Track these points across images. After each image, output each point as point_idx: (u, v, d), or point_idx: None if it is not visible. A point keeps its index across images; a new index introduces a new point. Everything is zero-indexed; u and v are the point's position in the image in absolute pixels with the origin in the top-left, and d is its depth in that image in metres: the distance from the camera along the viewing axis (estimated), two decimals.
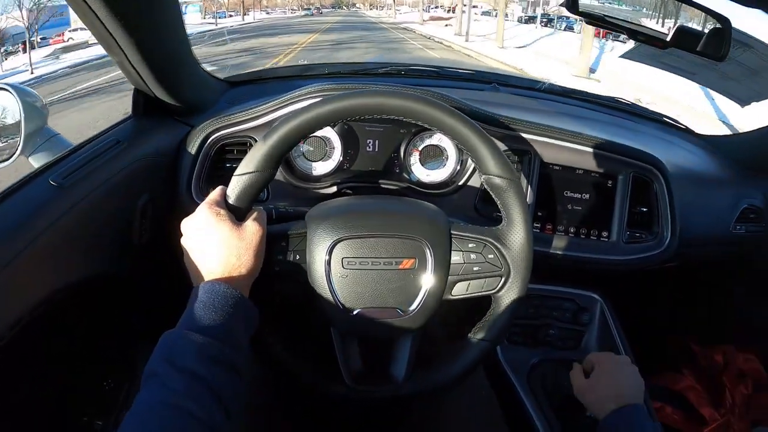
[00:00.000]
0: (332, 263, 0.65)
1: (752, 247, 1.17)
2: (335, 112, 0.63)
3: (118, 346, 0.95)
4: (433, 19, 38.68)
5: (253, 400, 0.91)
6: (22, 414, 0.75)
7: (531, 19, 29.02)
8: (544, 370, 1.00)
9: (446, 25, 27.56)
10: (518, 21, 30.61)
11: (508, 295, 0.69)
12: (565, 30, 22.13)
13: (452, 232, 0.68)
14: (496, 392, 1.00)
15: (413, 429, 0.97)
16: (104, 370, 0.93)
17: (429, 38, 21.69)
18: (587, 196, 0.98)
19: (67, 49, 19.36)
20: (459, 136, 0.66)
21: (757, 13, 0.89)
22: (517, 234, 0.68)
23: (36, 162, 0.89)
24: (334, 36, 21.43)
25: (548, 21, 26.53)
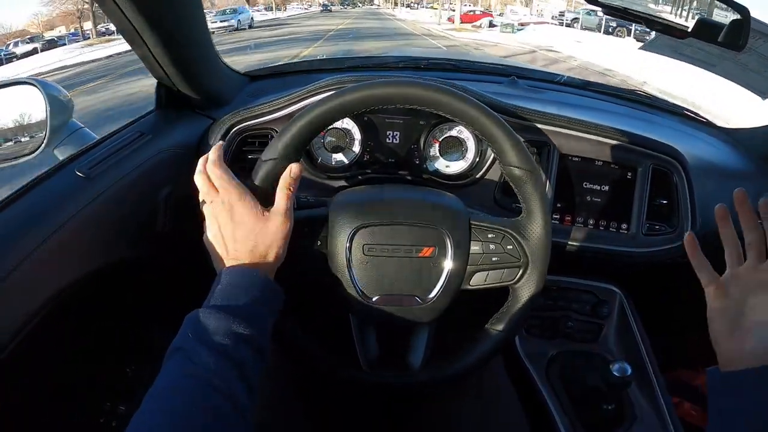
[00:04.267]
0: (353, 250, 0.66)
1: None
2: (359, 101, 0.64)
3: (140, 332, 0.97)
4: None
5: (271, 388, 0.92)
6: (46, 399, 0.77)
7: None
8: (563, 362, 0.99)
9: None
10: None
11: (526, 286, 0.69)
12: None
13: (472, 222, 0.69)
14: (515, 384, 1.00)
15: (429, 419, 0.98)
16: (127, 356, 0.95)
17: None
18: (606, 187, 0.97)
19: None
20: (480, 127, 0.66)
21: None
22: (536, 225, 0.68)
23: (61, 155, 0.91)
24: None
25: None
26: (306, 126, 0.63)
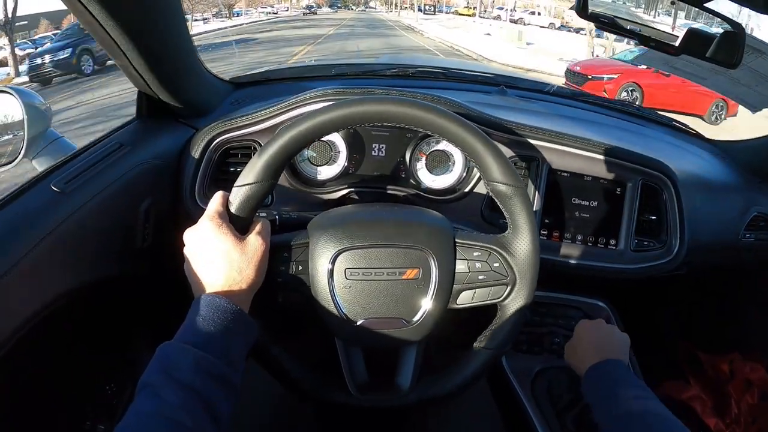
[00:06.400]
0: (335, 274, 0.64)
1: (761, 255, 1.15)
2: (336, 121, 0.62)
3: (120, 350, 0.95)
4: None
5: (259, 411, 0.90)
6: (25, 417, 0.75)
7: None
8: (548, 378, 0.99)
9: None
10: None
11: (514, 303, 0.68)
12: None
13: (456, 240, 0.67)
14: (499, 399, 1.00)
15: None
16: (107, 375, 0.93)
17: None
18: (595, 203, 0.96)
19: None
20: (462, 143, 0.65)
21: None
22: (522, 242, 0.67)
23: (39, 165, 0.89)
24: None
25: None
26: (281, 148, 0.61)
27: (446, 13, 46.75)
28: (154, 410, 0.47)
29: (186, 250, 0.60)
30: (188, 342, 0.52)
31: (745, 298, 1.32)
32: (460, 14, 42.13)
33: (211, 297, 0.56)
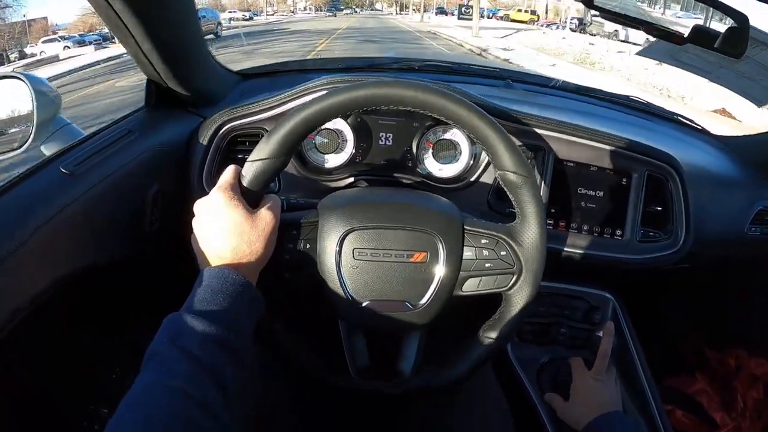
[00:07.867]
0: (343, 254, 0.64)
1: (767, 249, 1.15)
2: (351, 102, 0.62)
3: (125, 335, 0.95)
4: None
5: (262, 391, 0.90)
6: (28, 401, 0.76)
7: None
8: (554, 369, 0.99)
9: None
10: None
11: (520, 293, 0.68)
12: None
13: (465, 227, 0.68)
14: (505, 389, 0.99)
15: (419, 425, 0.97)
16: (112, 359, 0.93)
17: None
18: (601, 193, 0.96)
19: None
20: (475, 131, 0.65)
21: None
22: (530, 231, 0.67)
23: (48, 151, 0.90)
24: None
25: None
26: (296, 126, 0.61)
27: (488, 17, 35.00)
28: (159, 380, 0.46)
29: (195, 222, 0.60)
30: (195, 312, 0.52)
31: (752, 292, 1.31)
32: (513, 20, 31.24)
33: (219, 269, 0.56)
